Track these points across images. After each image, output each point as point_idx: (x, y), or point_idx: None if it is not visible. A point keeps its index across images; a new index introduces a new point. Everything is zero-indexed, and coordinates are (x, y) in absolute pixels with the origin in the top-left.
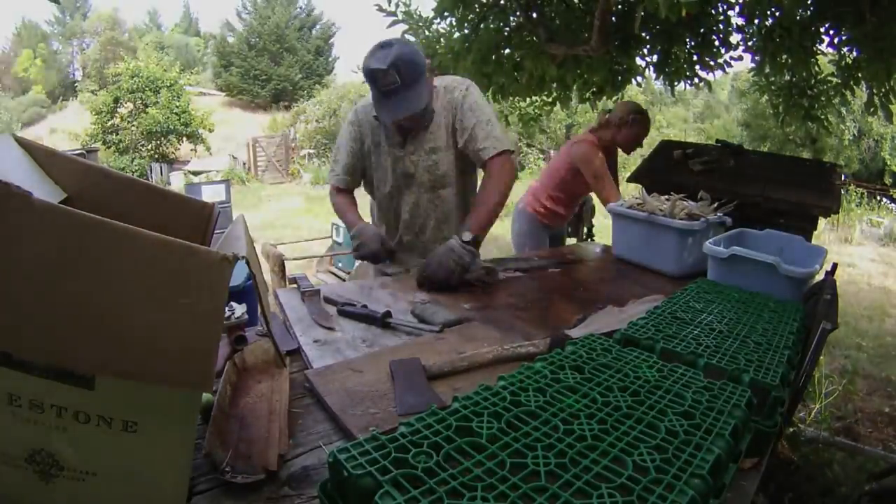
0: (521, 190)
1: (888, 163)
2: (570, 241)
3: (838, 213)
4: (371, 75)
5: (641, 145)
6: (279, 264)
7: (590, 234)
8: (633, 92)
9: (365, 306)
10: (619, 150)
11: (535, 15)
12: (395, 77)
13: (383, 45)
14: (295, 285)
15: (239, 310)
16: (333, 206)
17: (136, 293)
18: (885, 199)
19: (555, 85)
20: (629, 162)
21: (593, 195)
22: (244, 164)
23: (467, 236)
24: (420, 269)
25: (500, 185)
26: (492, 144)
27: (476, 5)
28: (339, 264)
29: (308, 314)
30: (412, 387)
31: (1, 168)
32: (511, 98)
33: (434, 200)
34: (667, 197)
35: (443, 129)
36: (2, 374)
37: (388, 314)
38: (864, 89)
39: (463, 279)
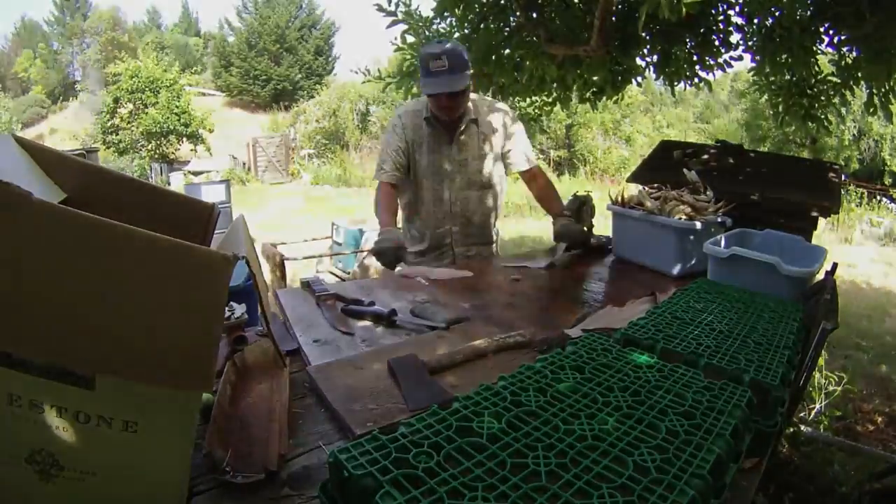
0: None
1: (888, 163)
2: None
3: (838, 213)
4: (426, 58)
5: None
6: (279, 264)
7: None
8: (633, 92)
9: (373, 303)
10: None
11: (535, 15)
12: (444, 61)
13: (440, 41)
14: (307, 289)
15: (239, 310)
16: (377, 201)
17: (136, 293)
18: (885, 199)
19: (555, 85)
20: (630, 162)
21: (594, 195)
22: (244, 164)
23: (567, 215)
24: (566, 236)
25: (552, 186)
26: (523, 160)
27: (476, 5)
28: (339, 264)
29: (323, 318)
30: (418, 382)
31: (1, 168)
32: (511, 98)
33: (483, 198)
34: (656, 195)
35: (491, 140)
36: (2, 374)
37: (393, 312)
38: (863, 89)
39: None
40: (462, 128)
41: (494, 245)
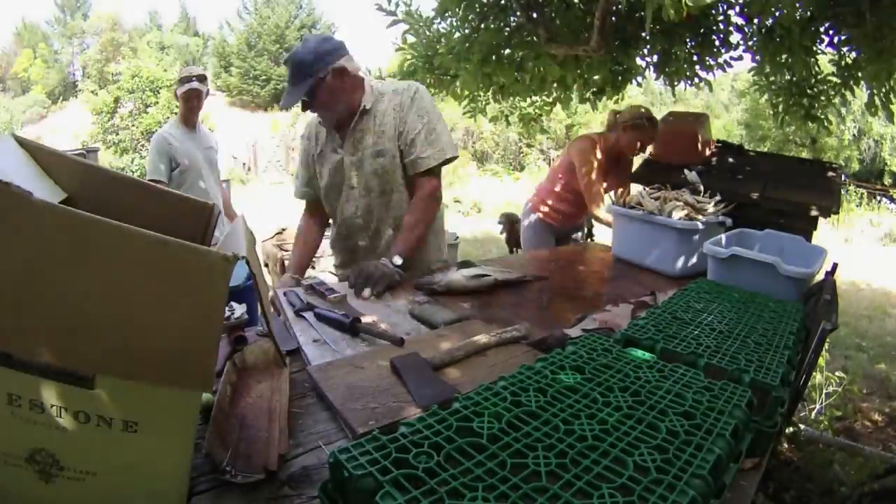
0: (526, 189)
1: (888, 163)
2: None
3: (838, 213)
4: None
5: (644, 151)
6: (279, 264)
7: (590, 235)
8: (633, 92)
9: (346, 314)
10: (632, 156)
11: (535, 15)
12: (288, 73)
13: (304, 39)
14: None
15: (239, 310)
16: (296, 235)
17: (136, 293)
18: (885, 199)
19: (555, 85)
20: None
21: None
22: (244, 164)
23: (398, 260)
24: (353, 274)
25: (423, 206)
26: (432, 154)
27: (477, 5)
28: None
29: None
30: (424, 379)
31: (1, 168)
32: (511, 98)
33: (386, 204)
34: (656, 195)
35: (391, 131)
36: (2, 374)
37: (356, 320)
38: (864, 89)
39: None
40: (354, 123)
41: (424, 264)
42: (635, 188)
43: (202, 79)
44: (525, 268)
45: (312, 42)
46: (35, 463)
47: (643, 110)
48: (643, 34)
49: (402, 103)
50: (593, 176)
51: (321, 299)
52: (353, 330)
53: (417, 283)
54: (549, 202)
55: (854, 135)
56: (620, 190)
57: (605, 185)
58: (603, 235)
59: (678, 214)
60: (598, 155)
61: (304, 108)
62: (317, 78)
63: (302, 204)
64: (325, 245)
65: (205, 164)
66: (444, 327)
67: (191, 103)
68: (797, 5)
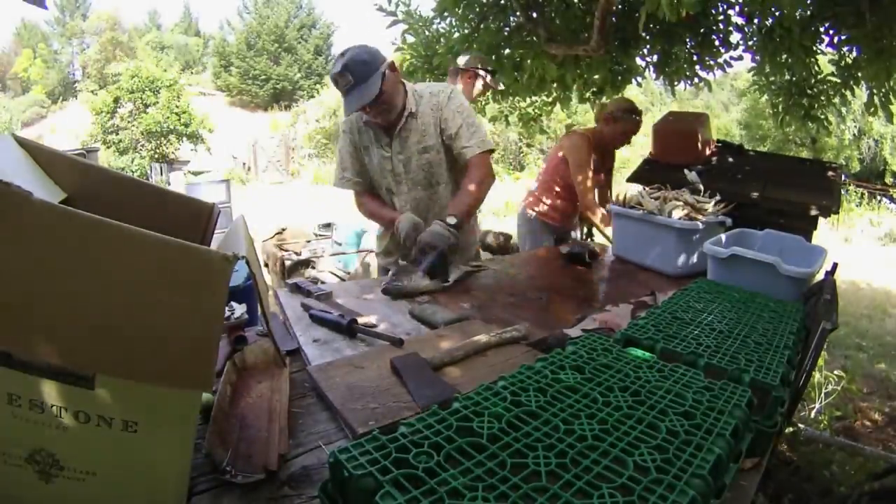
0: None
1: (888, 163)
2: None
3: (838, 212)
4: (334, 82)
5: (629, 142)
6: (279, 264)
7: (590, 234)
8: (633, 92)
9: (342, 315)
10: (617, 152)
11: (535, 15)
12: (348, 77)
13: (342, 53)
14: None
15: (239, 310)
16: (364, 214)
17: (136, 293)
18: (885, 199)
19: (555, 85)
20: (630, 162)
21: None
22: (244, 164)
23: (451, 220)
24: (416, 248)
25: (479, 175)
26: (475, 143)
27: (476, 5)
28: (339, 264)
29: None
30: (423, 380)
31: (1, 168)
32: (511, 98)
33: (431, 197)
34: (656, 195)
35: (432, 129)
36: (2, 374)
37: (353, 321)
38: (863, 89)
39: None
40: (402, 124)
41: (468, 252)
42: (636, 188)
43: None
44: (524, 267)
45: (356, 47)
46: (35, 463)
47: (626, 102)
48: (643, 34)
49: (440, 103)
50: (588, 183)
51: (311, 298)
52: (351, 331)
53: (385, 288)
54: (546, 200)
55: (854, 135)
56: (620, 191)
57: (596, 180)
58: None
59: (678, 214)
60: (588, 148)
61: (372, 104)
62: (382, 70)
63: (302, 203)
64: (326, 245)
65: None
66: (444, 327)
67: None
68: (796, 6)
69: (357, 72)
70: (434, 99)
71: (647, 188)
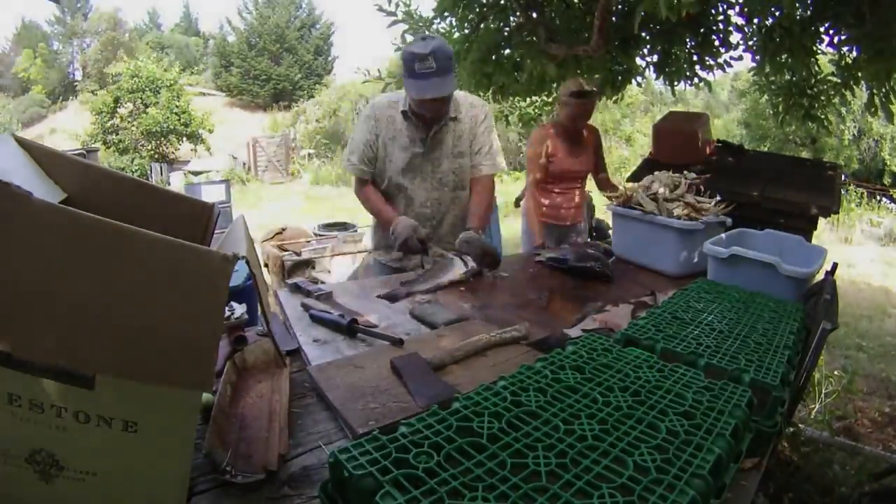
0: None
1: (888, 163)
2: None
3: (838, 213)
4: (411, 58)
5: (587, 121)
6: (279, 264)
7: (590, 234)
8: (633, 92)
9: (343, 315)
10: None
11: (535, 15)
12: (431, 63)
13: (425, 38)
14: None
15: (239, 310)
16: (363, 203)
17: (136, 293)
18: (885, 199)
19: (555, 85)
20: (630, 162)
21: (595, 196)
22: (244, 164)
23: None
24: (477, 257)
25: (489, 199)
26: (491, 164)
27: (476, 5)
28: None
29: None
30: (423, 380)
31: (1, 168)
32: (511, 98)
33: (454, 200)
34: (652, 194)
35: (466, 137)
36: (2, 374)
37: (354, 321)
38: (863, 89)
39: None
40: (441, 125)
41: None
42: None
43: None
44: (523, 267)
45: (438, 39)
46: (35, 463)
47: (572, 85)
48: (643, 34)
49: (476, 117)
50: (531, 165)
51: (311, 298)
52: (351, 331)
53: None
54: (537, 198)
55: (854, 135)
56: (618, 192)
57: (578, 163)
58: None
59: (678, 214)
60: (549, 142)
61: (440, 100)
62: (456, 71)
63: (302, 203)
64: (326, 244)
65: None
66: (444, 327)
67: None
68: (796, 6)
69: (441, 61)
70: (472, 111)
71: (643, 183)
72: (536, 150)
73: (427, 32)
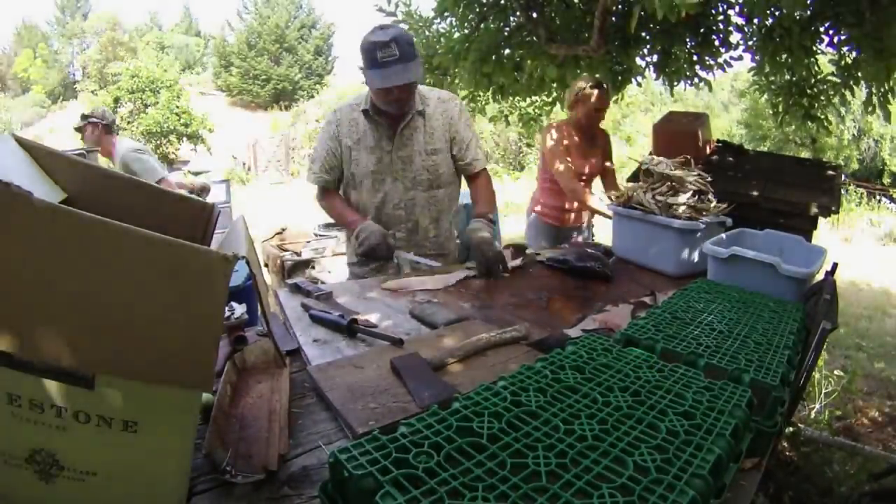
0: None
1: (888, 163)
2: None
3: (838, 212)
4: (372, 47)
5: (603, 116)
6: (279, 264)
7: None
8: (633, 92)
9: (342, 315)
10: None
11: (535, 15)
12: (394, 50)
13: (383, 27)
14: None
15: (239, 310)
16: (326, 210)
17: (136, 293)
18: (885, 199)
19: (555, 85)
20: (630, 162)
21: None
22: (244, 164)
23: (490, 216)
24: (486, 263)
25: (492, 193)
26: (482, 158)
27: (476, 5)
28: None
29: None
30: (423, 380)
31: (1, 168)
32: (511, 98)
33: (430, 199)
34: (651, 195)
35: (440, 134)
36: (2, 374)
37: (353, 321)
38: (863, 89)
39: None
40: (407, 121)
41: (451, 255)
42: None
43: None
44: (523, 267)
45: (397, 27)
46: (35, 463)
47: (582, 82)
48: (643, 34)
49: (450, 112)
50: (563, 167)
51: (311, 298)
52: (351, 331)
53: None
54: (542, 199)
55: (854, 135)
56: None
57: (589, 165)
58: (604, 232)
59: (682, 201)
60: (566, 141)
61: (406, 89)
62: (419, 59)
63: (302, 203)
64: (327, 244)
65: None
66: (444, 327)
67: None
68: (796, 6)
69: (403, 47)
70: (443, 105)
71: (643, 181)
72: (560, 145)
73: (436, 37)
